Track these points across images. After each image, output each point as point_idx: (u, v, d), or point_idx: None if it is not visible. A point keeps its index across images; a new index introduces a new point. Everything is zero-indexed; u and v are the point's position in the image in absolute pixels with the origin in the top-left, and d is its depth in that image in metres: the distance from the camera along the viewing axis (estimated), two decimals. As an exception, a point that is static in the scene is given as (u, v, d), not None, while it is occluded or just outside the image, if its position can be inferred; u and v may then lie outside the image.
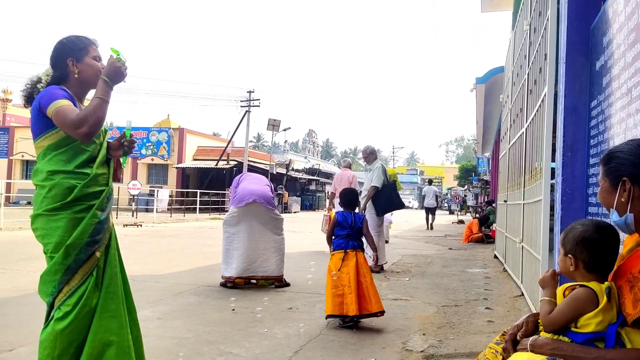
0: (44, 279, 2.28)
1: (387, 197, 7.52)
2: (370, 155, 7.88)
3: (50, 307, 2.27)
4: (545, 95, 4.27)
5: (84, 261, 2.28)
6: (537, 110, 4.70)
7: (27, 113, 41.01)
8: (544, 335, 1.76)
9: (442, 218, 29.09)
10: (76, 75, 2.44)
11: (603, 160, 1.73)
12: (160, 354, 3.39)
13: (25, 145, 33.05)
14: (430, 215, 18.98)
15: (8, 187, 28.09)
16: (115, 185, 2.68)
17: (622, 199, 1.63)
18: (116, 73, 2.33)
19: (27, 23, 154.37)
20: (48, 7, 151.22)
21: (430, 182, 22.18)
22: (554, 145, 4.12)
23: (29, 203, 26.58)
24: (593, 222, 1.80)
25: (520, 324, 1.84)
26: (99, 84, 2.34)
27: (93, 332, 2.26)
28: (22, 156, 34.05)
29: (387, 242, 11.27)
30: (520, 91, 6.26)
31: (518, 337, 1.80)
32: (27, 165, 34.80)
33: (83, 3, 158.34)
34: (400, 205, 7.83)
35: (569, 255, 1.79)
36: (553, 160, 4.18)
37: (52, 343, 2.19)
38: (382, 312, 4.22)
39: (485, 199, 22.13)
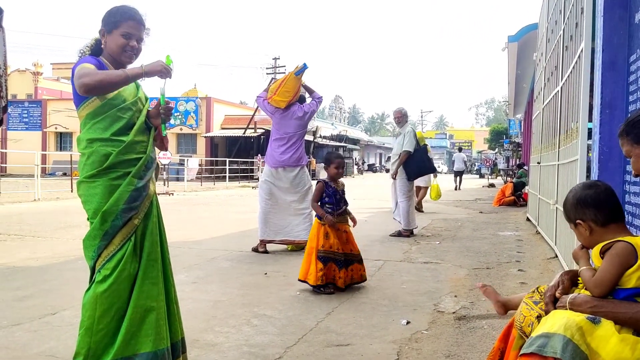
0: (86, 243, 2.36)
1: (419, 162, 7.45)
2: (403, 118, 7.70)
3: (92, 270, 2.35)
4: (582, 51, 4.11)
5: (120, 227, 2.32)
6: (574, 67, 4.54)
7: (58, 86, 41.85)
8: (583, 292, 1.74)
9: (472, 182, 28.78)
10: (103, 46, 2.46)
11: (627, 129, 1.76)
12: (197, 315, 3.48)
13: (58, 118, 33.78)
14: (458, 178, 21.56)
15: (43, 158, 28.91)
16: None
17: None
18: (154, 69, 2.33)
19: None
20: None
21: (460, 149, 24.43)
22: (590, 104, 3.98)
23: (64, 174, 27.32)
24: (579, 185, 1.88)
25: (556, 284, 1.82)
26: (137, 67, 2.35)
27: (135, 298, 2.32)
28: (56, 128, 34.83)
29: (419, 209, 11.07)
30: (555, 48, 6.05)
31: (557, 295, 1.78)
32: (61, 137, 35.62)
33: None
34: (431, 170, 7.91)
35: (578, 222, 1.81)
36: (590, 119, 4.05)
37: (93, 305, 2.27)
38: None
39: (517, 162, 21.80)
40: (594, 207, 1.77)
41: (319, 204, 4.34)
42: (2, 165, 23.57)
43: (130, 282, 2.33)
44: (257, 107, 32.13)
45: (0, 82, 2.02)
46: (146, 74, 2.35)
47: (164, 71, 2.34)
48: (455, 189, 20.60)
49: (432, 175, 11.08)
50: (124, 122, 2.39)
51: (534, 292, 1.95)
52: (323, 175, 6.42)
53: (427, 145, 7.72)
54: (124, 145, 2.35)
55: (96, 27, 2.53)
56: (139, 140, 2.43)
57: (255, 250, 5.90)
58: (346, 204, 4.41)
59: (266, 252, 5.85)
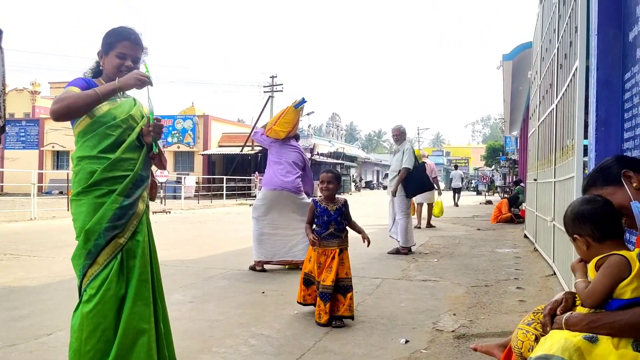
0: (73, 262, 2.35)
1: (418, 179, 7.46)
2: (402, 135, 7.74)
3: (80, 290, 2.33)
4: (576, 69, 4.15)
5: (104, 246, 2.30)
6: (568, 85, 4.58)
7: (56, 104, 41.89)
8: (579, 310, 1.74)
9: (470, 199, 28.81)
10: (101, 68, 2.50)
11: (593, 179, 1.94)
12: (193, 336, 3.45)
13: (55, 137, 33.78)
14: (456, 194, 22.63)
15: (40, 177, 28.85)
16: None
17: (634, 185, 1.82)
18: (129, 81, 2.33)
19: (55, 16, 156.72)
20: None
21: (456, 166, 26.04)
22: (585, 121, 4.01)
23: (60, 193, 27.26)
24: (578, 199, 1.89)
25: (559, 299, 1.82)
26: (110, 82, 2.35)
27: (126, 320, 2.28)
28: (53, 147, 34.81)
29: (431, 225, 11.65)
30: (550, 66, 6.11)
31: (558, 312, 1.77)
32: (58, 156, 35.59)
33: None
34: (430, 187, 8.01)
35: (575, 236, 1.83)
36: (585, 137, 4.08)
37: (80, 326, 2.24)
38: None
39: (514, 179, 21.92)
40: (591, 223, 1.78)
41: (313, 225, 3.97)
42: (-2, 183, 23.55)
43: (116, 302, 2.28)
44: (255, 124, 32.34)
45: (-1, 103, 2.03)
46: (121, 89, 2.33)
47: (139, 82, 2.33)
48: (454, 204, 21.29)
49: (436, 192, 11.63)
50: (112, 139, 2.37)
51: (533, 314, 1.95)
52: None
53: (425, 162, 7.74)
54: (109, 163, 2.34)
55: (95, 46, 2.56)
56: (127, 158, 2.40)
57: (252, 269, 5.87)
58: (339, 225, 3.90)
59: (264, 270, 5.82)
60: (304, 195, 6.06)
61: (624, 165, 1.88)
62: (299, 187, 5.95)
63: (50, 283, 5.14)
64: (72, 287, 4.79)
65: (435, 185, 11.78)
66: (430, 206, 11.96)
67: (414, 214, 11.39)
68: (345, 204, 4.01)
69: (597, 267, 1.73)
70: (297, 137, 6.32)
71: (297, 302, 3.99)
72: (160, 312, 2.48)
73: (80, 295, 2.30)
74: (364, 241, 4.00)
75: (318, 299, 3.75)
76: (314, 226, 3.94)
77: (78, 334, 2.24)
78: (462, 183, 23.90)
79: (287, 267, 5.96)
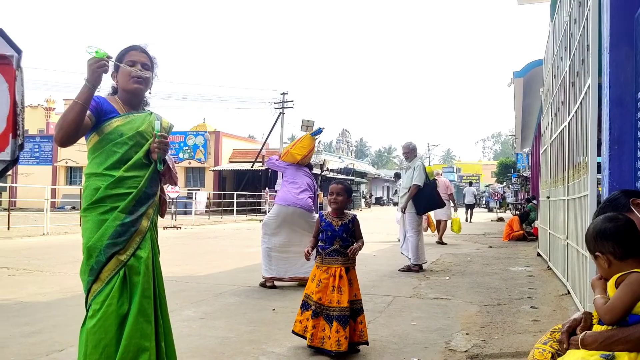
0: (80, 278, 2.37)
1: (429, 196, 7.44)
2: (412, 152, 7.78)
3: (87, 306, 2.34)
4: (588, 87, 4.14)
5: (105, 263, 2.31)
6: (581, 103, 4.57)
7: (69, 121, 42.53)
8: (596, 328, 1.72)
9: (481, 215, 28.63)
10: (116, 84, 2.54)
11: (603, 210, 2.00)
12: (204, 353, 3.44)
13: (69, 152, 34.15)
14: (469, 210, 23.35)
15: (53, 192, 29.13)
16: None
17: None
18: (90, 73, 2.26)
19: (71, 33, 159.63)
20: (91, 16, 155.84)
21: (470, 183, 26.65)
22: (598, 139, 3.99)
23: (73, 208, 27.50)
24: (601, 217, 1.88)
25: (578, 318, 1.81)
26: (82, 87, 2.29)
27: (128, 337, 2.27)
28: (66, 162, 35.19)
29: (441, 243, 11.74)
30: (562, 84, 6.10)
31: (577, 332, 1.76)
32: (71, 172, 35.96)
33: (119, 10, 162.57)
34: (441, 204, 7.83)
35: (597, 254, 1.82)
36: (598, 154, 4.05)
37: (85, 341, 2.25)
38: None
39: (526, 196, 21.79)
40: (613, 241, 1.77)
41: (318, 239, 3.71)
42: (12, 199, 23.78)
43: (118, 319, 2.28)
44: (265, 141, 32.43)
45: (17, 121, 2.07)
46: (91, 83, 2.27)
47: (97, 67, 2.26)
48: (467, 220, 21.84)
49: (452, 209, 12.38)
50: (117, 156, 2.39)
51: (550, 334, 1.93)
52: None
53: (436, 179, 7.68)
54: (113, 180, 2.36)
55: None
56: (132, 175, 2.41)
57: (263, 285, 5.85)
58: (345, 241, 3.54)
59: (274, 287, 5.80)
60: (315, 215, 6.05)
61: (630, 195, 1.98)
62: (311, 205, 6.02)
63: (62, 299, 5.16)
64: (84, 302, 4.81)
65: (451, 202, 12.50)
66: (446, 223, 12.27)
67: (434, 231, 11.66)
68: (353, 220, 3.62)
69: (617, 284, 1.72)
70: (310, 167, 6.41)
71: (292, 332, 3.57)
72: (162, 329, 2.46)
73: (87, 311, 2.32)
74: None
75: (324, 321, 3.37)
76: (319, 242, 3.64)
77: (83, 349, 2.25)
78: (475, 199, 24.68)
79: (298, 283, 5.93)
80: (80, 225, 2.43)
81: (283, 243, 5.88)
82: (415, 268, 7.27)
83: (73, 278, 6.28)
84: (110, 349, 2.24)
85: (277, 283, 5.86)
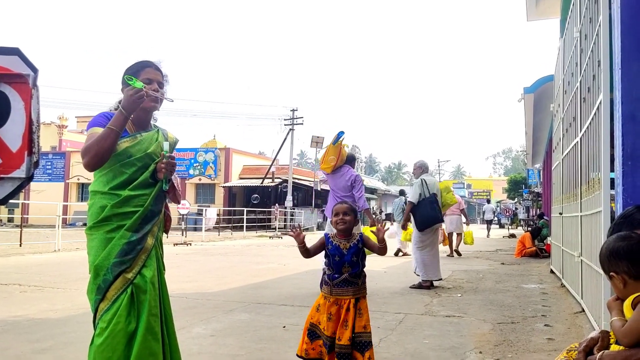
0: (88, 297, 2.37)
1: (424, 212, 7.35)
2: (417, 170, 7.87)
3: (94, 324, 2.34)
4: (600, 102, 4.12)
5: (112, 282, 2.31)
6: (592, 119, 4.54)
7: (82, 138, 42.97)
8: (613, 348, 1.69)
9: (492, 232, 28.38)
10: None
11: (618, 226, 1.97)
12: (215, 371, 3.41)
13: (81, 170, 34.45)
14: (488, 225, 25.93)
15: (65, 209, 29.35)
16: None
17: None
18: (129, 102, 2.32)
19: (84, 50, 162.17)
20: (102, 34, 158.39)
21: (488, 200, 29.45)
22: (611, 154, 3.96)
23: (84, 225, 27.63)
24: (614, 236, 1.84)
25: (595, 337, 1.77)
26: (116, 113, 2.35)
27: (136, 355, 2.26)
28: (78, 179, 35.51)
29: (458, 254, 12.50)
30: (573, 100, 6.07)
31: (595, 351, 1.73)
32: (83, 188, 36.26)
33: (130, 27, 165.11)
34: (435, 220, 7.41)
35: (612, 274, 1.79)
36: (611, 170, 4.02)
37: (93, 359, 2.25)
38: None
39: (537, 212, 21.62)
40: (627, 260, 1.74)
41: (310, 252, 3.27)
42: (24, 216, 24.01)
43: (126, 337, 2.27)
44: (275, 157, 32.66)
45: (33, 138, 2.10)
46: (128, 113, 2.32)
47: (137, 96, 2.31)
48: (487, 236, 23.93)
49: (464, 223, 13.17)
50: (125, 177, 2.40)
51: (567, 352, 1.90)
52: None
53: (436, 194, 7.44)
54: (120, 200, 2.36)
55: (118, 81, 2.61)
56: (138, 194, 2.41)
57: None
58: (355, 267, 3.13)
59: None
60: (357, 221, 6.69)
61: None
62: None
63: (73, 315, 5.17)
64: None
65: (463, 217, 13.33)
66: (460, 236, 13.19)
67: (445, 244, 12.34)
68: (361, 238, 3.23)
69: (634, 305, 1.69)
70: (350, 160, 7.07)
71: (297, 356, 3.22)
72: (168, 347, 2.45)
73: (95, 329, 2.31)
74: (378, 232, 3.21)
75: (329, 352, 3.05)
76: (327, 269, 3.22)
77: None
78: (493, 216, 27.48)
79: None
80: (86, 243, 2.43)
81: None
82: (426, 284, 7.21)
83: (84, 294, 6.25)
84: None
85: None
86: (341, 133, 6.89)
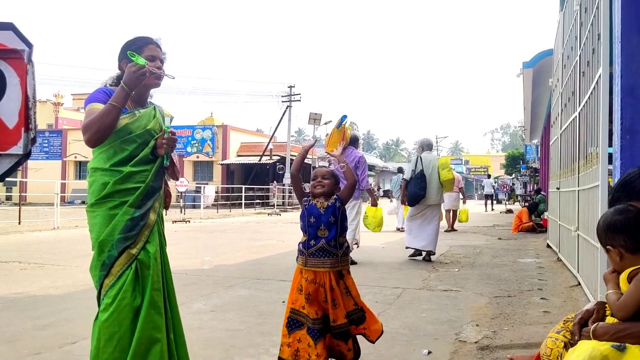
0: (90, 273, 2.39)
1: (412, 188, 7.57)
2: (419, 148, 8.15)
3: (99, 300, 2.36)
4: (599, 76, 4.10)
5: (117, 257, 2.32)
6: (591, 93, 4.53)
7: (78, 116, 42.71)
8: (609, 320, 1.71)
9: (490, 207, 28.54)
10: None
11: (616, 196, 1.95)
12: (215, 345, 3.46)
13: (78, 147, 34.37)
14: (488, 201, 26.44)
15: (63, 187, 29.34)
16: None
17: None
18: (132, 79, 2.31)
19: (78, 27, 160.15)
20: (98, 10, 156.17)
21: (488, 176, 29.96)
22: (610, 129, 3.96)
23: (83, 202, 27.67)
24: (611, 210, 1.85)
25: (590, 309, 1.80)
26: (117, 89, 2.33)
27: (140, 329, 2.29)
28: (75, 157, 35.40)
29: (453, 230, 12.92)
30: (572, 74, 6.04)
31: (589, 323, 1.75)
32: (80, 166, 36.17)
33: (126, 3, 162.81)
34: (415, 196, 7.52)
35: (608, 247, 1.81)
36: (610, 144, 4.02)
37: (98, 334, 2.27)
38: None
39: (535, 187, 21.71)
40: (624, 234, 1.76)
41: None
42: (22, 194, 23.95)
43: (132, 312, 2.30)
44: (273, 134, 32.53)
45: (29, 115, 2.08)
46: (130, 89, 2.32)
47: (139, 73, 2.32)
48: (486, 211, 24.51)
49: (461, 200, 13.51)
50: (126, 153, 2.40)
51: (564, 323, 1.92)
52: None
53: (423, 171, 7.53)
54: (122, 176, 2.36)
55: (113, 58, 2.59)
56: (139, 170, 2.42)
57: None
58: (332, 232, 2.81)
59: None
60: (355, 202, 7.16)
61: None
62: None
63: (73, 292, 5.21)
64: (95, 296, 4.86)
65: (460, 194, 13.53)
66: (455, 213, 13.44)
67: (441, 219, 12.11)
68: (339, 199, 2.90)
69: (630, 278, 1.70)
70: (354, 141, 7.41)
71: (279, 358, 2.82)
72: (171, 321, 2.49)
73: (99, 305, 2.34)
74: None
75: (317, 341, 2.72)
76: (303, 237, 2.92)
77: (96, 342, 2.27)
78: (493, 190, 27.43)
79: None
80: (87, 220, 2.43)
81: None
82: (412, 253, 7.64)
83: (84, 271, 6.32)
84: (124, 342, 2.26)
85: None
86: (344, 117, 7.17)
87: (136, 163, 2.40)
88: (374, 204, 7.97)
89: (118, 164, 2.38)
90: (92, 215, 2.39)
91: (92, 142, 2.31)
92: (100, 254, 2.33)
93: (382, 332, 3.00)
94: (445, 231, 12.42)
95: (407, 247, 7.70)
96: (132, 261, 2.34)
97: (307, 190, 2.99)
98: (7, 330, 3.80)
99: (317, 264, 2.79)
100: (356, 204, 7.22)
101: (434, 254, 7.58)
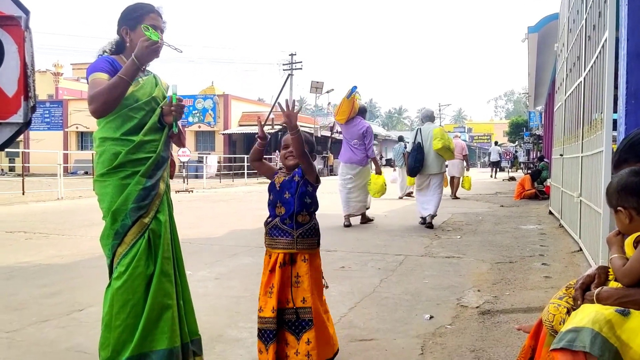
0: (101, 242, 2.40)
1: (409, 160, 7.96)
2: (420, 121, 8.45)
3: (110, 268, 2.39)
4: (605, 40, 4.03)
5: (130, 226, 2.34)
6: (597, 58, 4.46)
7: (78, 86, 42.43)
8: (612, 285, 1.72)
9: (487, 175, 28.54)
10: (127, 44, 2.46)
11: (623, 156, 1.90)
12: (220, 311, 3.51)
13: (79, 117, 34.24)
14: (494, 168, 27.26)
15: (65, 158, 29.37)
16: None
17: None
18: (144, 53, 2.30)
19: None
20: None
21: (496, 143, 30.33)
22: (615, 94, 3.91)
23: (86, 173, 27.77)
24: (626, 171, 1.81)
25: (592, 274, 1.80)
26: (127, 62, 2.32)
27: (152, 296, 2.34)
28: (77, 128, 35.31)
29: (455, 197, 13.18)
30: (577, 38, 5.95)
31: (592, 288, 1.76)
32: (82, 137, 36.13)
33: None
34: (411, 168, 7.82)
35: (619, 209, 1.77)
36: (615, 110, 3.98)
37: (111, 301, 2.31)
38: None
39: (538, 154, 21.63)
40: (638, 196, 1.73)
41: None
42: (25, 164, 24.04)
43: (145, 280, 2.34)
44: (275, 103, 32.34)
45: (28, 83, 2.05)
46: (141, 63, 2.31)
47: (153, 48, 2.30)
48: (491, 176, 25.51)
49: (465, 168, 13.92)
50: (135, 121, 2.39)
51: (566, 289, 1.93)
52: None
53: (420, 143, 7.75)
54: (133, 145, 2.36)
55: (113, 26, 2.54)
56: (150, 140, 2.42)
57: (346, 225, 7.59)
58: (289, 209, 2.49)
59: (349, 225, 7.63)
60: (367, 166, 7.96)
61: None
62: (359, 160, 7.77)
63: (79, 261, 5.27)
64: (101, 264, 4.89)
65: (464, 162, 13.98)
66: (458, 180, 13.71)
67: (446, 186, 12.37)
68: (300, 171, 2.54)
69: (636, 243, 1.69)
70: (362, 111, 7.97)
71: None
72: (180, 288, 2.53)
73: (111, 273, 2.37)
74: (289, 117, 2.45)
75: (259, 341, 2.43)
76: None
77: (109, 309, 2.31)
78: (500, 158, 28.20)
79: (360, 221, 8.05)
80: (94, 190, 2.44)
81: (343, 188, 7.79)
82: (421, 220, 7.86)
83: (89, 241, 6.39)
84: (137, 308, 2.32)
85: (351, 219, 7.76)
86: (354, 87, 7.71)
87: (146, 132, 2.40)
88: (379, 172, 8.13)
89: (128, 133, 2.38)
90: (102, 184, 2.38)
91: (98, 113, 2.31)
92: (114, 222, 2.34)
93: (335, 354, 2.52)
94: (453, 198, 12.85)
95: (425, 215, 7.75)
96: (144, 230, 2.37)
97: (279, 165, 2.69)
98: (15, 299, 3.85)
99: (272, 244, 2.54)
100: (364, 170, 7.85)
101: (435, 216, 7.67)
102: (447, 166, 9.61)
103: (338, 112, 7.87)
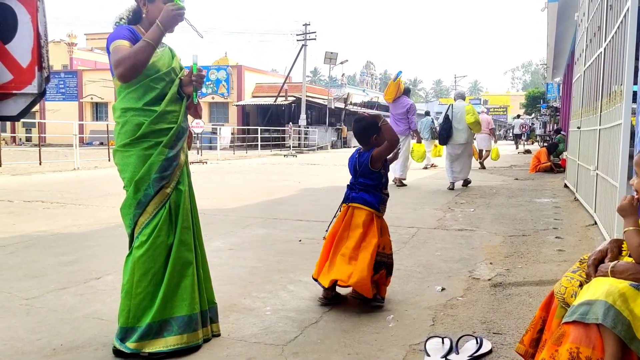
0: (123, 212, 2.44)
1: (439, 131, 9.51)
2: (455, 97, 9.93)
3: (131, 237, 2.43)
4: (628, 10, 3.91)
5: (153, 196, 2.38)
6: (619, 28, 4.34)
7: (92, 56, 42.48)
8: (626, 259, 1.70)
9: (508, 147, 28.26)
10: (144, 15, 2.47)
11: None
12: (234, 281, 3.56)
13: (94, 88, 34.38)
14: (517, 140, 29.92)
15: (81, 128, 29.60)
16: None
17: None
18: (168, 18, 2.33)
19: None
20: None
21: (518, 116, 32.27)
22: (636, 66, 3.82)
23: (101, 144, 27.99)
24: None
25: (604, 249, 1.78)
26: (152, 27, 2.34)
27: (172, 264, 2.40)
28: (92, 98, 35.48)
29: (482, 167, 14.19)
30: (599, 7, 5.78)
31: (606, 261, 1.75)
32: (97, 108, 36.31)
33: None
34: (440, 139, 9.49)
35: None
36: (635, 82, 3.89)
37: (132, 269, 2.37)
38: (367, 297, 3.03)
39: (555, 127, 21.33)
40: None
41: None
42: (42, 135, 24.28)
43: (166, 249, 2.40)
44: (288, 74, 32.09)
45: (42, 53, 2.06)
46: (165, 29, 2.34)
47: (177, 15, 2.34)
48: (517, 148, 27.16)
49: (492, 140, 15.44)
50: (156, 92, 2.41)
51: (580, 263, 1.92)
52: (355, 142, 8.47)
53: (449, 117, 9.17)
54: (156, 115, 2.39)
55: None
56: (171, 110, 2.45)
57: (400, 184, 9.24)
58: (365, 177, 3.16)
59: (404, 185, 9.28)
60: (408, 137, 9.54)
61: None
62: (402, 130, 9.14)
63: (96, 230, 5.35)
64: (118, 234, 4.97)
65: (491, 135, 15.32)
66: (487, 152, 14.99)
67: (477, 158, 14.42)
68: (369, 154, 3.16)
69: None
70: (407, 91, 9.60)
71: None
72: (200, 258, 2.59)
73: (132, 242, 2.41)
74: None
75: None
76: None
77: (130, 277, 2.37)
78: (522, 130, 29.91)
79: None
80: (110, 160, 2.47)
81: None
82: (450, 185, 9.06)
83: (105, 210, 6.48)
84: (158, 277, 2.38)
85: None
86: (400, 72, 9.27)
87: (167, 102, 2.43)
88: (419, 141, 10.47)
89: (150, 103, 2.40)
90: (124, 155, 2.41)
91: (125, 77, 2.31)
92: (137, 192, 2.37)
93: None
94: (480, 168, 13.70)
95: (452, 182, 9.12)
96: (166, 200, 2.42)
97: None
98: (34, 267, 3.94)
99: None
100: (405, 140, 9.41)
101: (470, 181, 9.38)
102: (475, 138, 11.35)
103: (386, 93, 9.54)
